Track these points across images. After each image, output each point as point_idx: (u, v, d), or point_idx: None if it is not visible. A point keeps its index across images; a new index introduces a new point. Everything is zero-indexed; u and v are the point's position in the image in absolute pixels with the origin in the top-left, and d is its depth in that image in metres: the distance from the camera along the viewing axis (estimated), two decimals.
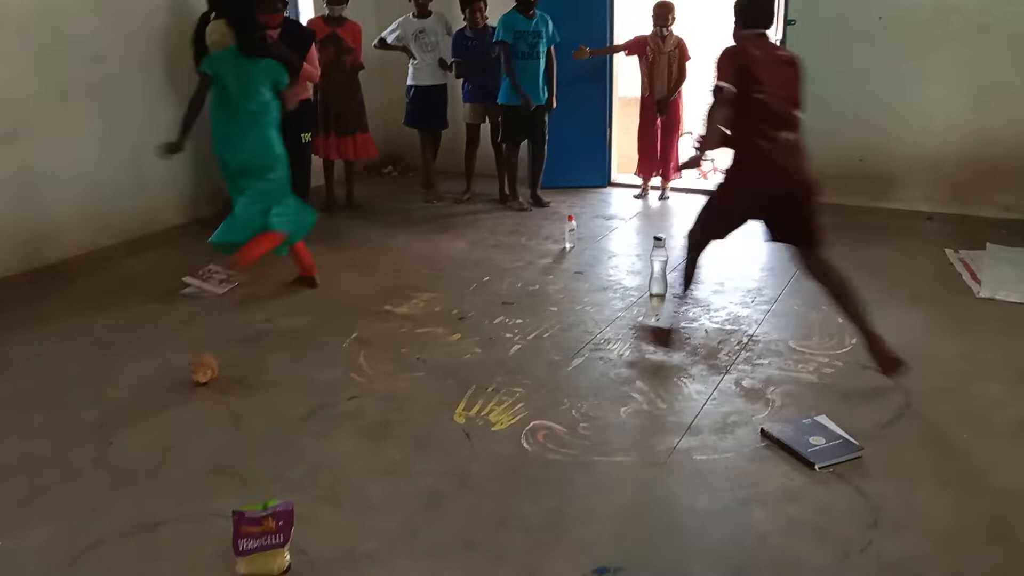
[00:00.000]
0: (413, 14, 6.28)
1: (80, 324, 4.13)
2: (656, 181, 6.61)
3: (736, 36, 3.50)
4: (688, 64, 6.23)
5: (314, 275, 4.60)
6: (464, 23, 6.13)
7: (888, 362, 3.29)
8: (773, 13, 3.59)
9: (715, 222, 3.61)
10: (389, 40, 6.35)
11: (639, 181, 6.64)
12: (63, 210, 5.09)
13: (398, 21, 6.34)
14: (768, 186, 3.37)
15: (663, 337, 3.68)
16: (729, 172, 3.52)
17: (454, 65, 6.19)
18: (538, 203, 6.28)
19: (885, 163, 5.96)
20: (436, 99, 6.40)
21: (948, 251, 4.92)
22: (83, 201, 5.19)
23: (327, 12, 5.94)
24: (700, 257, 3.66)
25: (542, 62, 5.93)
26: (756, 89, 3.27)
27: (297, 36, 5.30)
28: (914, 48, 5.66)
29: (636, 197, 6.56)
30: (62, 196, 5.07)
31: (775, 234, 3.57)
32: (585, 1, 6.41)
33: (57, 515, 2.59)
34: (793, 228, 3.47)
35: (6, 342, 3.93)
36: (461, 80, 6.28)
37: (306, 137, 5.45)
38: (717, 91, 3.29)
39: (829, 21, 5.82)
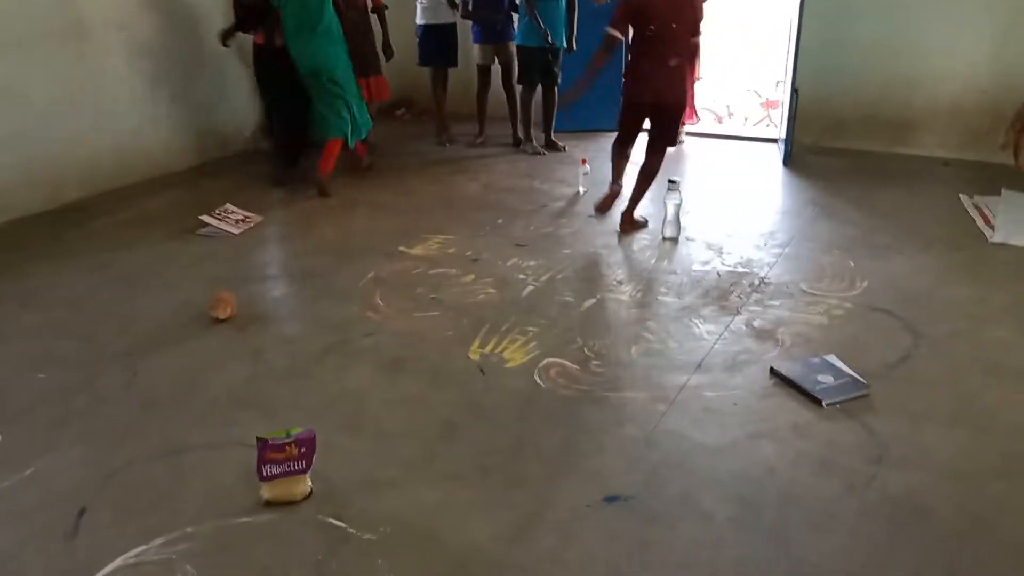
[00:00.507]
0: None
1: (102, 260, 4.21)
2: None
3: None
4: (704, 4, 6.11)
5: (362, 159, 5.80)
6: None
7: (627, 223, 4.49)
8: None
9: (623, 123, 4.53)
10: None
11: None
12: (82, 149, 5.12)
13: None
14: (644, 98, 4.34)
15: (608, 201, 4.67)
16: (623, 86, 4.48)
17: (460, 5, 6.13)
18: (552, 147, 6.27)
19: (905, 107, 5.90)
20: (445, 37, 6.36)
21: (963, 197, 4.90)
22: (103, 140, 5.22)
23: None
24: (626, 152, 4.61)
25: (563, 2, 5.87)
26: (646, 28, 4.17)
27: None
28: None
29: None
30: (82, 133, 5.10)
31: (651, 132, 4.53)
32: None
33: (88, 439, 2.70)
34: (658, 128, 4.50)
35: (32, 275, 4.03)
36: (470, 21, 6.21)
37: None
38: (607, 35, 4.25)
39: None
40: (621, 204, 4.62)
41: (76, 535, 2.26)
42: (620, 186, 4.67)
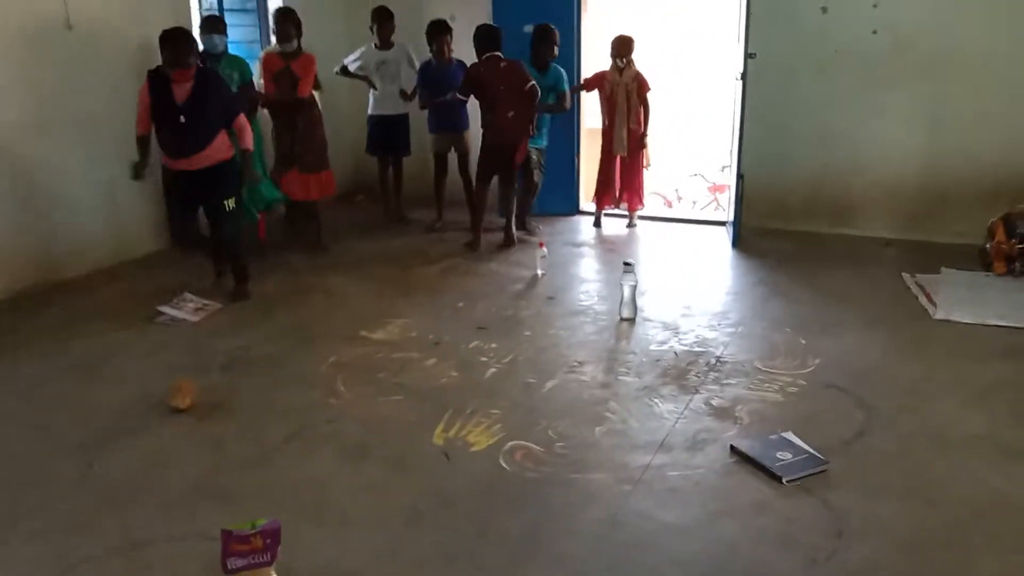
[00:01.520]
0: (375, 45, 6.41)
1: (57, 349, 4.15)
2: (623, 209, 6.75)
3: (478, 57, 5.83)
4: (649, 95, 6.38)
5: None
6: (431, 55, 6.25)
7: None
8: (497, 41, 5.80)
9: (483, 167, 5.98)
10: (351, 68, 6.46)
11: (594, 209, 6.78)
12: (36, 237, 5.09)
13: (360, 51, 6.45)
14: (496, 143, 5.82)
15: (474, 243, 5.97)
16: (483, 138, 5.94)
17: (417, 95, 6.31)
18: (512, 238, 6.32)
19: (845, 191, 6.18)
20: (397, 128, 6.54)
21: (905, 275, 5.11)
22: (57, 228, 5.20)
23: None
24: (484, 191, 6.05)
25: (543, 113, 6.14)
26: (484, 93, 5.79)
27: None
28: (871, 81, 5.89)
29: (593, 225, 6.70)
30: (36, 222, 5.08)
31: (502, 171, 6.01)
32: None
33: (42, 535, 2.63)
34: (506, 165, 5.94)
35: None
36: (427, 111, 6.39)
37: (229, 204, 4.73)
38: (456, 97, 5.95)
39: (788, 55, 6.05)
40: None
41: None
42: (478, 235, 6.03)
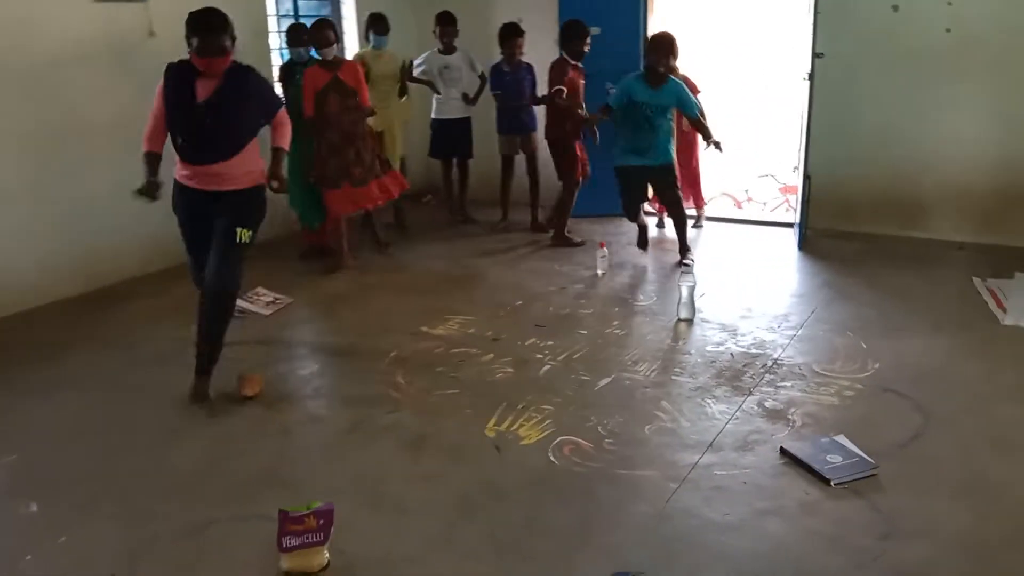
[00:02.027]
0: (439, 50, 6.55)
1: (136, 342, 4.39)
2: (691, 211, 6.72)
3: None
4: (699, 97, 6.29)
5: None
6: (501, 57, 6.35)
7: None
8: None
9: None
10: (415, 73, 6.61)
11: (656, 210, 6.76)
12: (119, 236, 5.37)
13: (424, 56, 6.61)
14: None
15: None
16: None
17: (495, 98, 6.43)
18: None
19: (915, 192, 6.03)
20: (459, 131, 6.68)
21: (976, 279, 4.98)
22: (139, 227, 5.47)
23: (319, 57, 5.43)
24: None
25: (661, 131, 5.38)
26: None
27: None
28: (941, 78, 5.74)
29: (656, 226, 6.67)
30: (121, 222, 5.36)
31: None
32: (617, 33, 6.57)
33: (118, 513, 2.81)
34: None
35: (70, 357, 4.21)
36: (496, 112, 6.50)
37: (243, 235, 3.71)
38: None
39: (856, 53, 5.95)
40: None
41: None
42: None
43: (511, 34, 6.25)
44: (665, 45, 5.30)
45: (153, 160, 3.69)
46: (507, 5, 7.07)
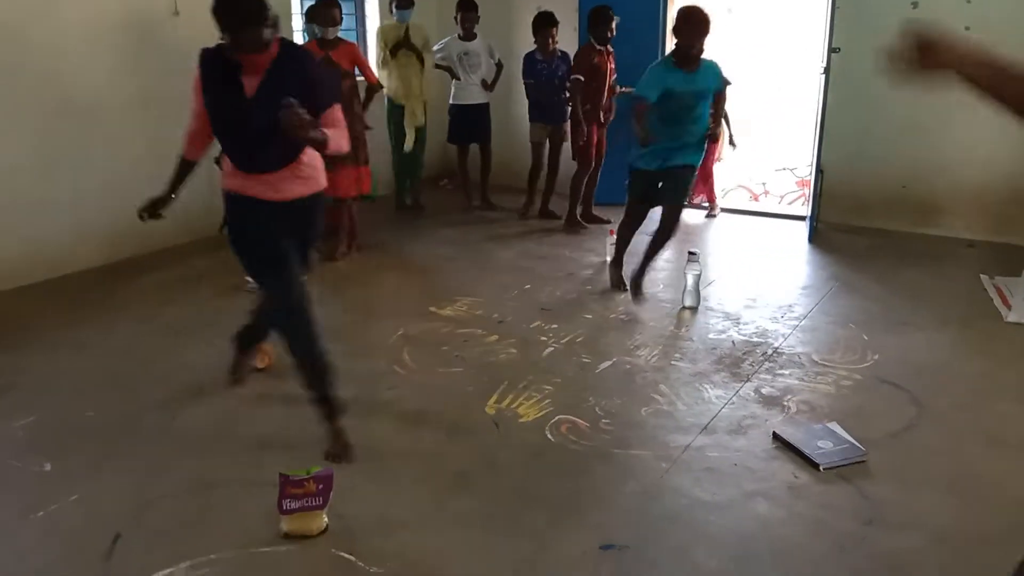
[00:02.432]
0: (459, 35, 6.60)
1: (152, 313, 4.51)
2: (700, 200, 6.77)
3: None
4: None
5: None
6: (535, 46, 6.33)
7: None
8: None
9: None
10: (436, 58, 6.67)
11: None
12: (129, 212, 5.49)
13: (444, 41, 6.66)
14: None
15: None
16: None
17: (525, 87, 6.44)
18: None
19: (929, 190, 6.03)
20: (478, 117, 6.73)
21: (983, 277, 4.99)
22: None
23: (319, 35, 5.35)
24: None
25: (701, 122, 4.49)
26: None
27: None
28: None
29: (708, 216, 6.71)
30: (139, 195, 5.47)
31: None
32: (637, 23, 6.60)
33: (127, 472, 2.92)
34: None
35: (87, 325, 4.34)
36: (528, 100, 6.50)
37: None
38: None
39: (873, 49, 5.92)
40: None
41: (110, 557, 2.46)
42: None
43: (545, 23, 6.21)
44: (699, 23, 4.33)
45: (184, 170, 3.28)
46: None
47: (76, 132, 5.09)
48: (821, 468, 2.90)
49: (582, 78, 5.83)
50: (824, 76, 5.68)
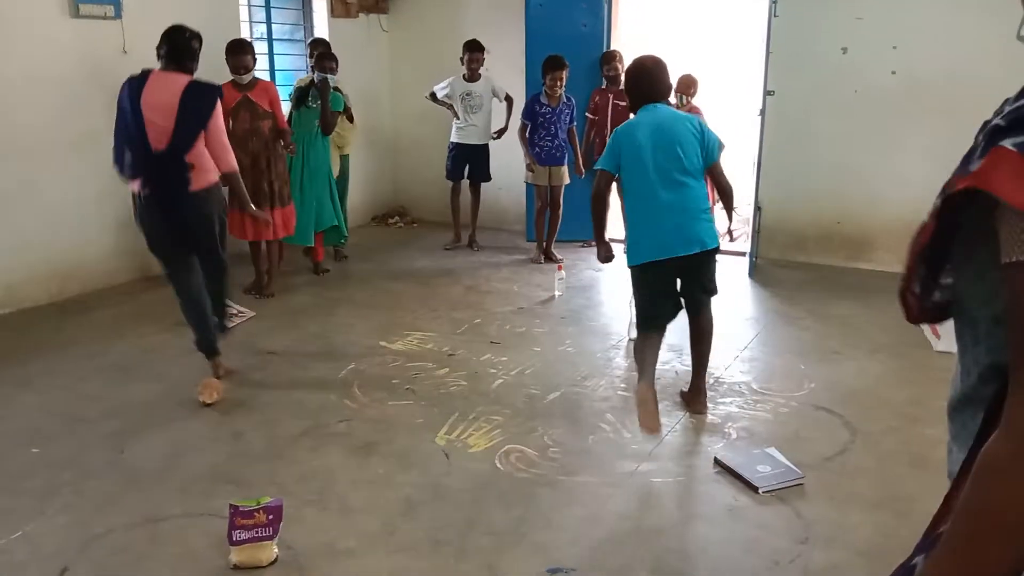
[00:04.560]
0: (464, 76, 6.73)
1: (99, 349, 4.48)
2: None
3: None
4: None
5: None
6: (544, 91, 6.29)
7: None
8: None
9: None
10: (439, 95, 6.79)
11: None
12: (87, 248, 5.47)
13: (449, 80, 6.78)
14: None
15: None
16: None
17: (521, 128, 6.40)
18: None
19: (862, 226, 6.30)
20: (478, 156, 6.83)
21: None
22: (105, 240, 5.58)
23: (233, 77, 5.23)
24: None
25: (698, 191, 3.54)
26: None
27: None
28: (889, 120, 6.04)
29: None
30: (86, 234, 5.46)
31: None
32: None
33: (73, 507, 2.91)
34: None
35: (34, 360, 4.30)
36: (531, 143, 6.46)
37: None
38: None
39: (807, 92, 6.22)
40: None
41: None
42: None
43: (555, 66, 6.14)
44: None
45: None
46: (475, 28, 7.27)
47: (21, 170, 5.06)
48: (760, 491, 3.01)
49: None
50: (760, 118, 5.93)
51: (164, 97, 3.68)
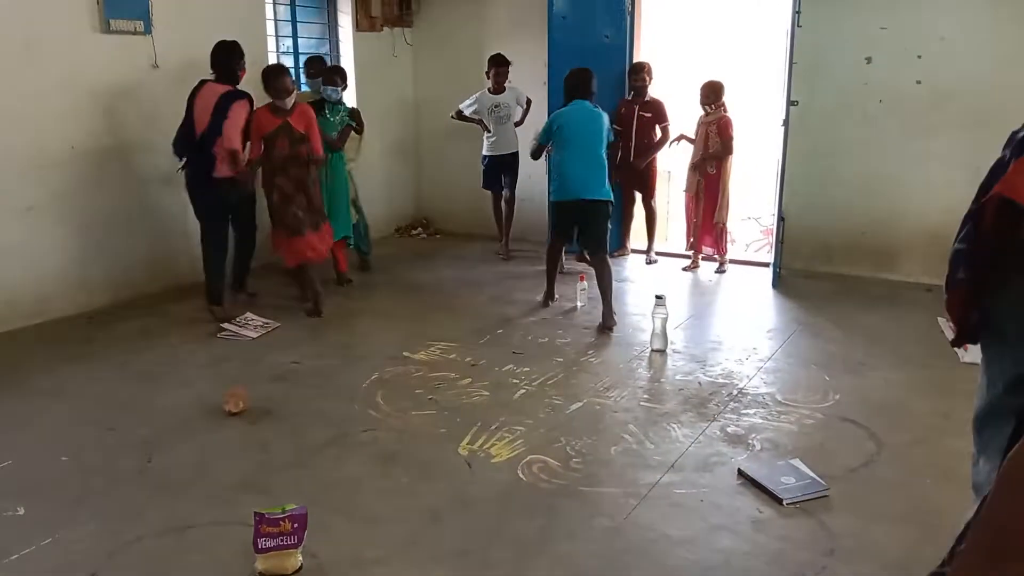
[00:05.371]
0: (489, 89, 6.84)
1: (128, 359, 4.54)
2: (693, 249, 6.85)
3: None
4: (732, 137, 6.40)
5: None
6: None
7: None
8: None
9: None
10: (467, 112, 6.90)
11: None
12: (115, 258, 5.56)
13: (475, 96, 6.89)
14: None
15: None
16: None
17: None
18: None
19: (887, 236, 6.25)
20: (510, 165, 6.94)
21: (941, 320, 5.16)
22: (135, 249, 5.66)
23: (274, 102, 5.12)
24: None
25: (600, 161, 5.23)
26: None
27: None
28: (914, 130, 6.00)
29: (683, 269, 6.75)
30: (117, 245, 5.55)
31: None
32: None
33: (103, 515, 2.95)
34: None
35: (64, 370, 4.38)
36: None
37: None
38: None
39: (831, 102, 6.20)
40: None
41: None
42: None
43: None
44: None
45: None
46: (498, 42, 7.31)
47: (53, 182, 5.16)
48: (784, 503, 2.99)
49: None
50: (784, 128, 5.91)
51: (207, 100, 5.02)
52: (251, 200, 5.38)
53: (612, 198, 5.29)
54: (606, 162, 5.27)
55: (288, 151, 5.14)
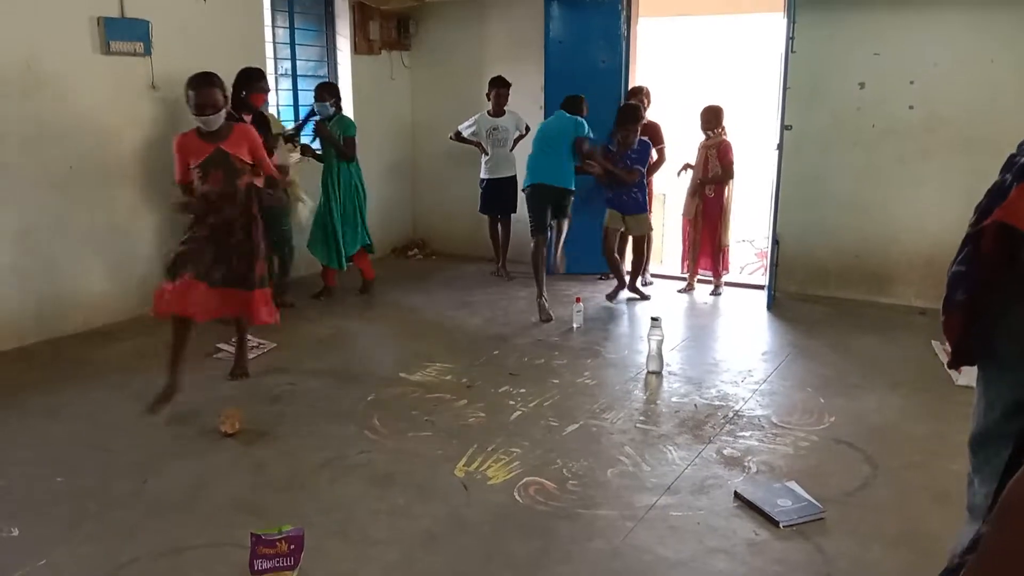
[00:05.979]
0: (488, 112, 6.91)
1: (122, 379, 4.53)
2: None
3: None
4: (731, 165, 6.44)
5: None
6: (616, 141, 6.27)
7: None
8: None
9: None
10: (465, 134, 6.96)
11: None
12: (111, 280, 5.56)
13: (475, 118, 6.95)
14: None
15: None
16: None
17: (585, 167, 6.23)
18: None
19: (881, 260, 6.29)
20: (507, 189, 6.98)
21: (935, 343, 5.19)
22: (132, 271, 5.67)
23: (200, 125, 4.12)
24: None
25: (566, 158, 5.84)
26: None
27: None
28: (907, 155, 6.06)
29: (679, 291, 6.78)
30: (113, 266, 5.55)
31: None
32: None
33: (97, 537, 2.94)
34: None
35: (60, 391, 4.36)
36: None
37: None
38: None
39: (825, 127, 6.26)
40: None
41: None
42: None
43: (630, 118, 6.14)
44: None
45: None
46: (495, 65, 7.38)
47: (53, 203, 5.17)
48: (781, 525, 3.00)
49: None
50: (778, 152, 5.96)
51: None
52: (278, 212, 5.45)
53: (573, 187, 5.92)
54: (571, 159, 5.89)
55: (222, 187, 4.11)
